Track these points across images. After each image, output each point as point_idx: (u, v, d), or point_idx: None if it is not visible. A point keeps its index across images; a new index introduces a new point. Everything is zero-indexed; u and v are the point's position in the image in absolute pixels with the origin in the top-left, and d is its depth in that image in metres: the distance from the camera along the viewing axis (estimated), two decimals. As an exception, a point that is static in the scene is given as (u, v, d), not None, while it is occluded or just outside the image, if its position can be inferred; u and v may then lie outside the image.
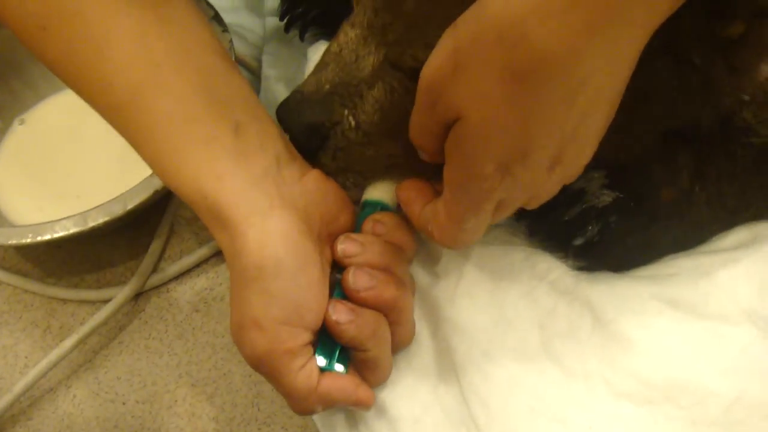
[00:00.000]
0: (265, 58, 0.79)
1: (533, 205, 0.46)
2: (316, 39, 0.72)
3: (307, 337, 0.47)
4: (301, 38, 0.73)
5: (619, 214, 0.55)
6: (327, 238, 0.50)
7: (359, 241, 0.50)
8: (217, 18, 0.76)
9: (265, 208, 0.47)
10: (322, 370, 0.48)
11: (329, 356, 0.49)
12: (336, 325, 0.47)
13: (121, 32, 0.47)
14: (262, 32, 0.84)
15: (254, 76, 0.82)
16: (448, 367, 0.53)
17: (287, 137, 0.53)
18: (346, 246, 0.50)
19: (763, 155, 0.52)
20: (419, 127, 0.44)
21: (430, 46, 0.44)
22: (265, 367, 0.47)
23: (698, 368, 0.51)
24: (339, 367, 0.49)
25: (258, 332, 0.46)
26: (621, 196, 0.55)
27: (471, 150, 0.40)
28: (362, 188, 0.55)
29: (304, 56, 0.72)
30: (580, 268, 0.56)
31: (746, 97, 0.49)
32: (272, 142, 0.50)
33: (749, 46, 0.45)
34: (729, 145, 0.52)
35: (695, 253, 0.56)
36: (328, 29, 0.71)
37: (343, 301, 0.49)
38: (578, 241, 0.56)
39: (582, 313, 0.53)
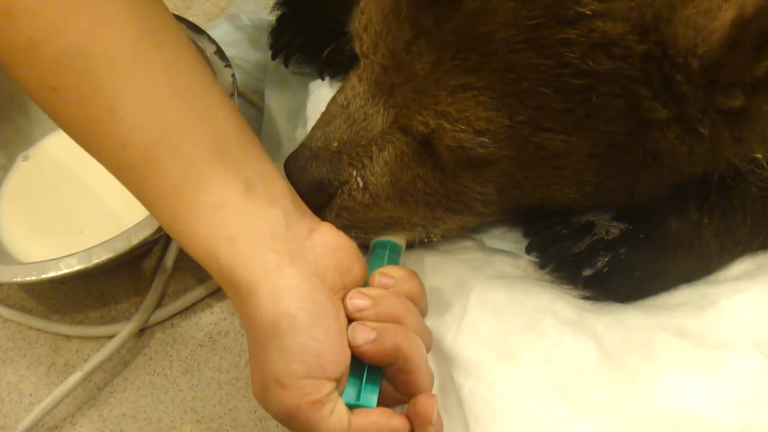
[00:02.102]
0: (267, 91, 0.80)
1: None
2: (299, 65, 0.73)
3: (330, 386, 0.47)
4: (286, 65, 0.74)
5: (629, 246, 0.55)
6: (342, 290, 0.50)
7: (369, 295, 0.50)
8: (219, 53, 0.76)
9: (274, 268, 0.47)
10: (350, 407, 0.48)
11: (356, 394, 0.49)
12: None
13: (133, 92, 0.48)
14: (264, 65, 0.84)
15: (257, 109, 0.83)
16: (453, 403, 0.53)
17: (296, 192, 0.53)
18: (355, 301, 0.49)
19: None
20: None
21: (440, 114, 0.45)
22: (296, 422, 0.47)
23: (705, 399, 0.51)
24: (366, 401, 0.49)
25: (282, 390, 0.46)
26: (630, 228, 0.55)
27: None
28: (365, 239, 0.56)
29: (306, 89, 0.72)
30: (587, 299, 0.56)
31: (758, 155, 0.49)
32: (281, 199, 0.50)
33: (752, 120, 0.45)
34: (736, 182, 0.52)
35: (701, 282, 0.56)
36: (310, 56, 0.72)
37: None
38: (588, 272, 0.56)
39: (588, 346, 0.53)
